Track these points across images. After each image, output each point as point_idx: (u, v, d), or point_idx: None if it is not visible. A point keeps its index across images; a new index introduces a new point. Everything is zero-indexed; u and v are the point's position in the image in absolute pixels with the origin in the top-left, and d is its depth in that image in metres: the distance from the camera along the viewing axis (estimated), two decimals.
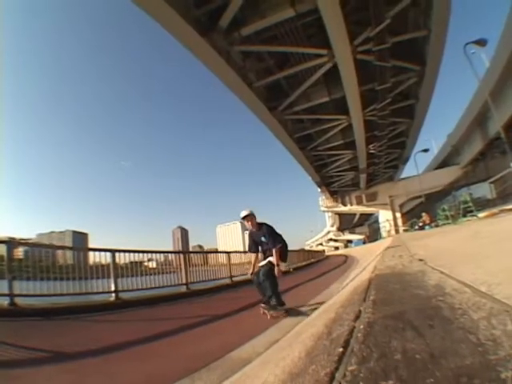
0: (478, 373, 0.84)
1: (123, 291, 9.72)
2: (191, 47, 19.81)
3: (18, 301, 7.44)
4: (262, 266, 6.91)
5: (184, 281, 11.82)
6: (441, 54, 25.55)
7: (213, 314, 7.34)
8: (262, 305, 6.70)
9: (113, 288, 9.42)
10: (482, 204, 30.87)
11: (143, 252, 12.52)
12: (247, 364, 2.86)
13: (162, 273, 12.89)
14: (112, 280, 9.51)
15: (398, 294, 2.18)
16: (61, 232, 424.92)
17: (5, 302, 7.22)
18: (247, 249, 7.69)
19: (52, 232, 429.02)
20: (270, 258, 6.89)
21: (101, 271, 9.85)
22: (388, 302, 1.93)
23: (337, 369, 1.11)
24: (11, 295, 7.34)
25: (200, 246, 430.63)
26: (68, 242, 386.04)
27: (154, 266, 14.48)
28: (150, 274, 12.48)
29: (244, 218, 7.08)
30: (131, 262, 11.20)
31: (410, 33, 23.54)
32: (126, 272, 10.55)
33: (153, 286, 11.03)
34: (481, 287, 1.71)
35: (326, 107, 31.92)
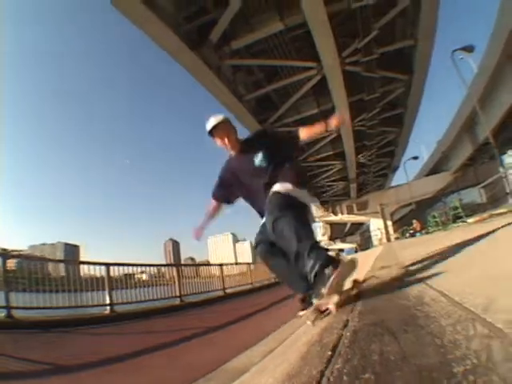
0: (437, 368, 1.06)
1: (118, 304, 9.89)
2: (182, 62, 20.05)
3: (15, 313, 7.49)
4: (272, 213, 3.03)
5: (178, 293, 11.98)
6: (428, 62, 26.02)
7: (207, 326, 7.24)
8: (300, 298, 3.26)
9: (108, 301, 9.55)
10: (472, 209, 31.27)
11: (137, 265, 12.76)
12: (244, 373, 2.89)
13: (155, 285, 13.15)
14: (107, 293, 9.64)
15: (382, 304, 2.39)
16: (52, 244, 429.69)
17: (1, 314, 7.32)
18: (211, 194, 4.03)
19: (44, 244, 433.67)
20: (280, 187, 3.21)
21: (95, 283, 10.01)
22: (373, 311, 2.14)
23: (326, 367, 1.32)
24: (8, 307, 7.39)
25: (192, 259, 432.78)
26: (59, 254, 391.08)
27: (146, 278, 14.40)
28: (143, 287, 12.91)
29: (214, 130, 3.56)
30: (125, 275, 11.40)
31: (398, 43, 23.97)
32: (120, 285, 10.75)
33: (147, 298, 11.22)
34: (455, 297, 1.91)
35: (316, 119, 31.68)
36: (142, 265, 12.73)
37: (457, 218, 22.27)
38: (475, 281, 2.22)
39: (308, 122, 31.60)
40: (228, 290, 14.50)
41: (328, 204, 61.14)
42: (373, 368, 1.22)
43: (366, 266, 8.19)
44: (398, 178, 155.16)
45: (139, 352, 5.39)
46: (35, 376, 4.41)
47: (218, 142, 3.61)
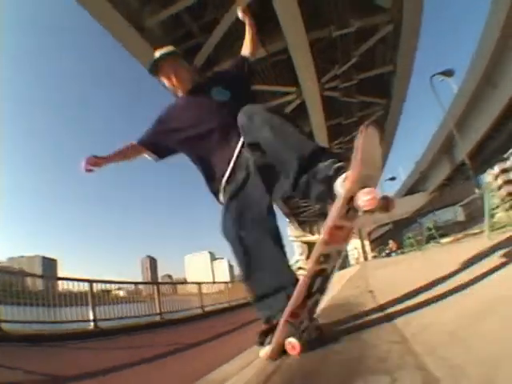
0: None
1: (101, 320, 10.06)
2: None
3: (4, 326, 7.59)
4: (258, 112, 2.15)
5: (158, 310, 12.30)
6: (406, 87, 27.17)
7: (187, 343, 7.32)
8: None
9: (91, 317, 9.74)
10: (450, 228, 32.13)
11: (120, 283, 13.13)
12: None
13: (133, 302, 13.42)
14: (90, 308, 9.85)
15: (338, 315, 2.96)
16: (30, 257, 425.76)
17: None
18: (139, 140, 2.89)
19: (22, 256, 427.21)
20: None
21: (78, 298, 10.31)
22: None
23: None
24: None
25: (169, 276, 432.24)
26: (37, 268, 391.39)
27: (123, 294, 14.68)
28: (121, 303, 12.95)
29: (157, 66, 2.79)
30: (102, 291, 11.68)
31: (377, 68, 24.86)
32: (100, 301, 11.03)
33: (129, 315, 11.43)
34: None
35: None
36: (124, 282, 13.08)
37: (431, 239, 22.96)
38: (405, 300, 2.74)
39: None
40: (206, 309, 14.93)
41: (305, 224, 61.92)
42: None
43: (337, 287, 8.53)
44: None
45: (122, 366, 5.55)
46: None
47: (165, 81, 2.80)
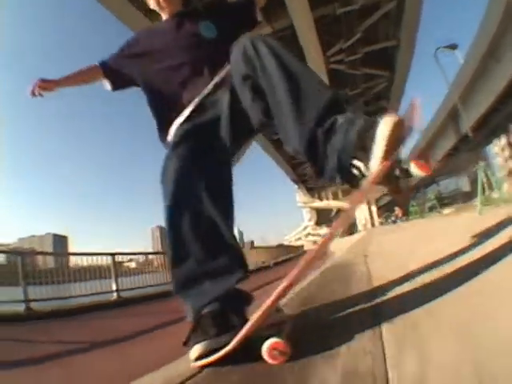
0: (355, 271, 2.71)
1: (123, 290, 10.61)
2: None
3: (34, 305, 8.05)
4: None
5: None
6: (410, 60, 27.53)
7: None
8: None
9: (114, 288, 10.31)
10: (454, 197, 32.49)
11: (143, 254, 13.64)
12: None
13: (144, 272, 13.74)
14: (113, 280, 10.41)
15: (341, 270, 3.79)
16: (41, 236, 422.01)
17: (21, 307, 7.83)
18: (101, 61, 2.36)
19: (33, 236, 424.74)
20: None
21: (102, 272, 10.97)
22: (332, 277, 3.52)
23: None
24: (27, 301, 7.99)
25: None
26: (48, 246, 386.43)
27: (135, 266, 14.48)
28: (133, 274, 13.27)
29: None
30: (117, 263, 11.51)
31: (381, 43, 25.13)
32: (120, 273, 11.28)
33: (149, 284, 12.06)
34: (371, 267, 3.34)
35: None
36: (144, 253, 13.53)
37: (433, 208, 23.64)
38: (392, 267, 3.27)
39: None
40: None
41: (314, 190, 62.50)
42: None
43: (340, 251, 9.25)
44: None
45: (150, 329, 5.86)
46: (78, 352, 4.87)
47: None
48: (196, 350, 1.32)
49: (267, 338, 1.22)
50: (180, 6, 2.31)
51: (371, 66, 27.21)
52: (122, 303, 9.59)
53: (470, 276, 1.60)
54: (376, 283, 2.36)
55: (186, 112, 1.90)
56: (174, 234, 1.61)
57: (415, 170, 1.28)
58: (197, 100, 1.90)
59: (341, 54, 24.17)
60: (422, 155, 1.29)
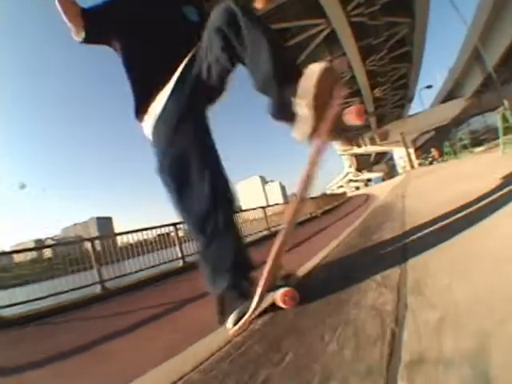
0: (394, 209, 3.64)
1: (188, 256, 11.01)
2: None
3: (107, 284, 8.76)
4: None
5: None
6: (427, 4, 27.76)
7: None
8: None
9: (180, 255, 10.87)
10: (486, 135, 32.32)
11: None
12: None
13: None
14: (178, 248, 10.92)
15: (383, 210, 4.55)
16: (84, 222, 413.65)
17: (97, 289, 8.53)
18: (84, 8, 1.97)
19: (75, 224, 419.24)
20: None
21: (168, 242, 11.22)
22: (374, 216, 4.24)
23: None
24: (101, 281, 8.69)
25: None
26: (93, 230, 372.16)
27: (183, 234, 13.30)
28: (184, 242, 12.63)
29: None
30: (161, 235, 11.76)
31: None
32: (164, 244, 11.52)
33: None
34: (406, 204, 4.00)
35: None
36: None
37: (465, 148, 24.15)
38: (426, 202, 4.15)
39: None
40: (273, 229, 15.39)
41: (351, 138, 61.63)
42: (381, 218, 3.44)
43: (384, 194, 9.83)
44: (416, 107, 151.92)
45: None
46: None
47: None
48: (232, 320, 1.53)
49: (280, 288, 1.52)
50: None
51: (391, 14, 27.59)
52: (187, 268, 10.00)
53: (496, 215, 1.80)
54: (409, 220, 2.75)
55: (167, 91, 1.85)
56: (186, 217, 1.79)
57: (351, 121, 1.50)
58: (172, 82, 1.85)
59: (360, 7, 24.85)
60: (354, 109, 1.49)
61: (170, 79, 1.85)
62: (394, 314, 1.08)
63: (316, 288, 1.69)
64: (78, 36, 1.98)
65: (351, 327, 1.10)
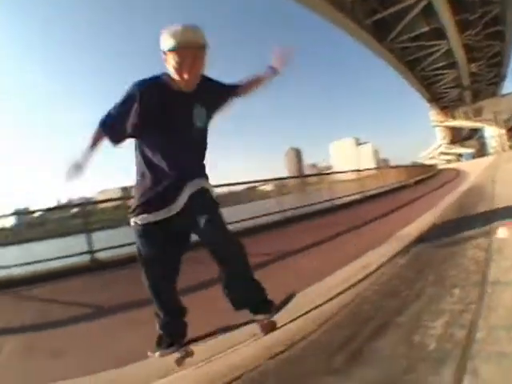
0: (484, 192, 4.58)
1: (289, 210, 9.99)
2: None
3: None
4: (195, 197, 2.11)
5: (327, 198, 11.97)
6: None
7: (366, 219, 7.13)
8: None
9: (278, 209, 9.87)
10: None
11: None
12: None
13: (280, 195, 12.30)
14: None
15: (474, 191, 5.25)
16: (112, 189, 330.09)
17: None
18: (101, 122, 2.15)
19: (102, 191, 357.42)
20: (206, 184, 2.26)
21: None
22: (468, 195, 4.97)
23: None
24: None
25: (314, 165, 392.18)
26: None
27: (270, 189, 13.82)
28: (269, 197, 12.93)
29: (191, 48, 1.98)
30: (248, 189, 11.66)
31: None
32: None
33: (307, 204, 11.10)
34: (495, 191, 4.43)
35: (428, 35, 35.76)
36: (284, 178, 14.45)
37: None
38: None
39: (422, 38, 36.26)
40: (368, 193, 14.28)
41: (447, 109, 62.17)
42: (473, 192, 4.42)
43: (475, 174, 9.94)
44: (510, 86, 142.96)
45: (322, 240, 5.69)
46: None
47: (184, 66, 2.01)
48: (163, 353, 2.13)
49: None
50: (196, 82, 2.14)
51: None
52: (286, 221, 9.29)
53: None
54: (497, 204, 2.99)
55: (158, 216, 2.09)
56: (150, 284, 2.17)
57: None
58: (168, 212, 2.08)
59: None
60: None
61: (170, 189, 2.09)
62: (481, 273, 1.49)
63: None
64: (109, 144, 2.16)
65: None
